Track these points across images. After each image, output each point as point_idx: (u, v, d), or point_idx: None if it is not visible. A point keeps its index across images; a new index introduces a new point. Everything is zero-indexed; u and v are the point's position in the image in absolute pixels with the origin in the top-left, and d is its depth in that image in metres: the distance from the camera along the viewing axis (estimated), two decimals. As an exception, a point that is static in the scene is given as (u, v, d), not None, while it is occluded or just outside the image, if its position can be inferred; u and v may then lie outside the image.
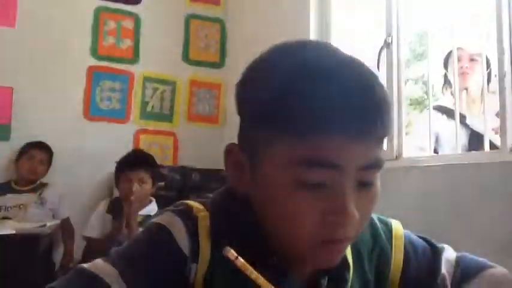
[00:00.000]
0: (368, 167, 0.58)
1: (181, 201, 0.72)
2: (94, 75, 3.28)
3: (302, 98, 0.54)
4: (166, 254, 0.63)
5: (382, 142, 0.60)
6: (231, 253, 0.52)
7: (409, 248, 0.74)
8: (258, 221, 0.64)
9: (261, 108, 0.58)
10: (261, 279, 0.53)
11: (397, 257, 0.73)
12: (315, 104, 0.53)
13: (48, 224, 2.38)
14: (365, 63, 0.60)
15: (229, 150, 0.65)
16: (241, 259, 0.52)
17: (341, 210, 0.56)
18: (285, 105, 0.55)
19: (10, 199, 2.77)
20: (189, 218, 0.66)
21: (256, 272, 0.53)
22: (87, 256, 2.36)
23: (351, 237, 0.60)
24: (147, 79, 3.41)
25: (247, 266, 0.53)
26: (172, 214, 0.67)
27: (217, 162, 3.31)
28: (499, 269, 0.80)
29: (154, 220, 0.69)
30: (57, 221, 2.73)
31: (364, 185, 0.59)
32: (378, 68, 2.63)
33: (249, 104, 0.62)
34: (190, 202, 0.70)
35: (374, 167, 0.60)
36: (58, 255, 2.85)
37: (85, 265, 0.63)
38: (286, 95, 0.55)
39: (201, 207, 0.68)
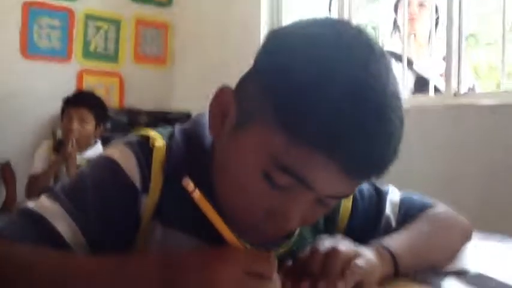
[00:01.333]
0: (336, 197, 0.58)
1: (137, 130, 0.68)
2: (30, 11, 3.05)
3: (320, 110, 0.49)
4: (115, 188, 0.61)
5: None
6: (190, 185, 0.49)
7: (357, 194, 0.75)
8: (212, 171, 0.62)
9: (281, 92, 0.52)
10: (215, 216, 0.51)
11: (346, 204, 0.75)
12: (329, 123, 0.49)
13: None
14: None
15: (223, 93, 0.59)
16: (198, 192, 0.50)
17: (285, 219, 0.55)
18: (303, 106, 0.50)
19: None
20: (142, 149, 0.63)
21: (212, 208, 0.51)
22: (31, 194, 2.36)
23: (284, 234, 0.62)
24: (89, 17, 3.21)
25: (204, 200, 0.50)
26: (122, 146, 0.63)
27: (165, 104, 3.30)
28: (441, 206, 0.84)
29: (102, 153, 0.66)
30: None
31: (322, 204, 0.58)
32: (330, 10, 2.61)
33: (272, 76, 0.53)
34: (147, 131, 0.66)
35: (341, 197, 0.60)
36: (0, 198, 2.77)
37: (30, 204, 0.59)
38: (308, 99, 0.50)
39: (158, 137, 0.65)
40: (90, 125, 2.41)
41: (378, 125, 0.51)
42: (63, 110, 2.44)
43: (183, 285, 0.49)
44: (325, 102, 0.49)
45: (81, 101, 2.42)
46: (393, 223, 0.79)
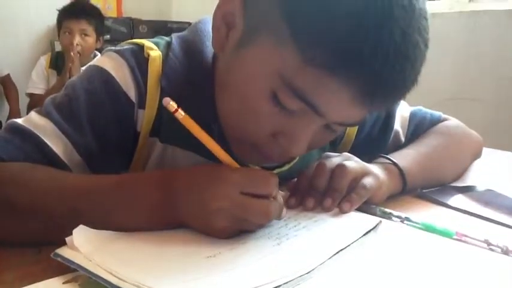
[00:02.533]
0: (346, 124, 0.55)
1: (129, 40, 0.63)
2: None
3: (339, 28, 0.43)
4: (109, 100, 0.57)
5: None
6: (171, 105, 0.45)
7: None
8: (214, 87, 0.58)
9: (295, 4, 0.46)
10: (204, 135, 0.48)
11: None
12: (348, 44, 0.43)
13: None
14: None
15: (228, 1, 0.52)
16: (182, 112, 0.46)
17: (291, 144, 0.51)
18: (320, 22, 0.44)
19: None
20: (136, 58, 0.59)
21: (199, 128, 0.47)
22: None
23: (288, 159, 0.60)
24: None
25: (189, 119, 0.47)
26: (115, 55, 0.59)
27: (166, 14, 3.17)
28: (452, 121, 0.81)
29: (94, 63, 0.61)
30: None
31: (329, 129, 0.54)
32: None
33: None
34: (141, 40, 0.61)
35: (351, 125, 0.58)
36: (4, 114, 2.75)
37: (19, 120, 0.56)
38: (326, 14, 0.44)
39: (154, 46, 0.60)
40: (92, 38, 2.34)
41: (402, 49, 0.45)
42: (60, 23, 2.33)
43: (180, 207, 0.47)
44: (345, 19, 0.43)
45: (80, 12, 2.31)
46: (402, 138, 0.77)
